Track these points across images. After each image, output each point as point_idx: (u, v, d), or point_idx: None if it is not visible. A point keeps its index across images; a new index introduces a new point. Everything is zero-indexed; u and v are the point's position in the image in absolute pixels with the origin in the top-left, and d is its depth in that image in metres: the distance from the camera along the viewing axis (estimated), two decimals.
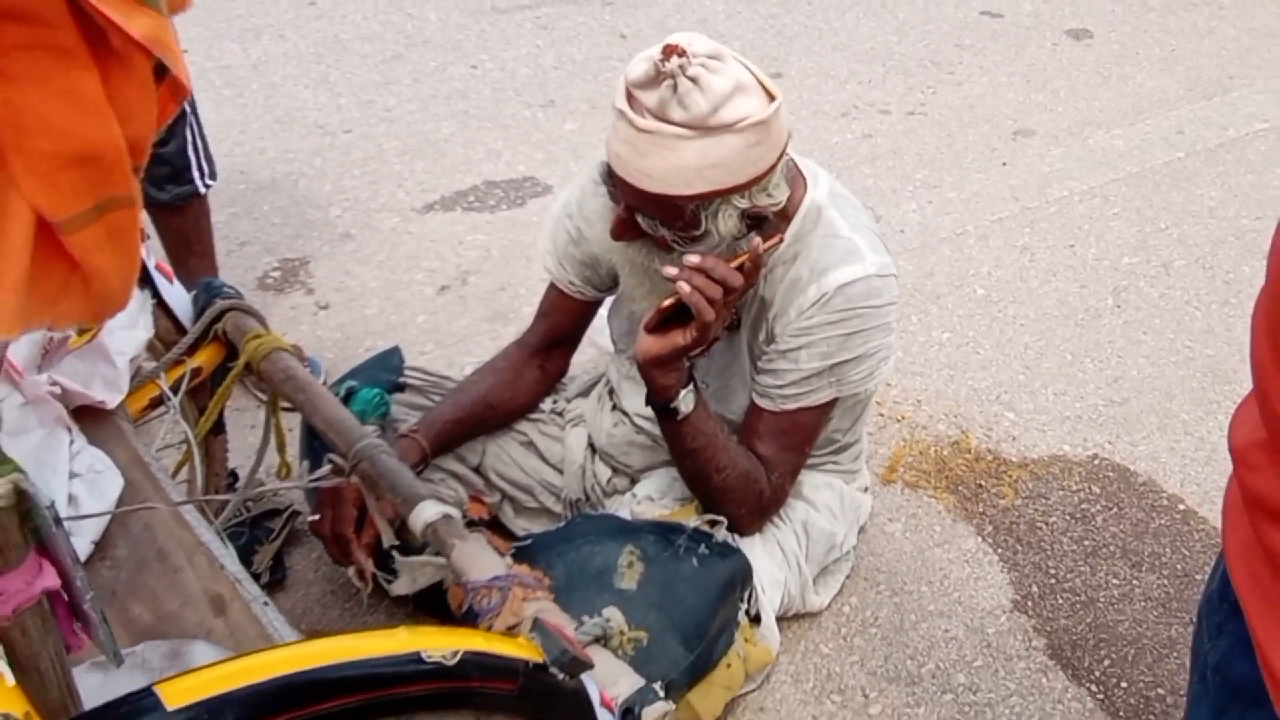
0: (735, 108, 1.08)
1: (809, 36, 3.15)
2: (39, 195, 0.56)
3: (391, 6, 3.22)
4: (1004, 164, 2.44)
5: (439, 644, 0.77)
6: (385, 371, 1.51)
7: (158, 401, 1.23)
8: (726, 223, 1.16)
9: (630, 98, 1.09)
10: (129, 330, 1.19)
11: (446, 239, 2.23)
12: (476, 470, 1.50)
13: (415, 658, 0.75)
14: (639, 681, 0.96)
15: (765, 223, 1.21)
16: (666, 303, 1.14)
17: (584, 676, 0.88)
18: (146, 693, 0.66)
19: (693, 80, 1.06)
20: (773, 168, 1.17)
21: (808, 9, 3.11)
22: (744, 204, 1.16)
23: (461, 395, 1.45)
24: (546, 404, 1.56)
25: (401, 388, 1.51)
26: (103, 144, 0.57)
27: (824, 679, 1.45)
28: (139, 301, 1.21)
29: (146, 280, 1.23)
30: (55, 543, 0.63)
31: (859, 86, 2.77)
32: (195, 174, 1.80)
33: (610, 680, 0.94)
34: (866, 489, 1.57)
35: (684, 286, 1.11)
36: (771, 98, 1.12)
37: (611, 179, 1.18)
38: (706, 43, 1.10)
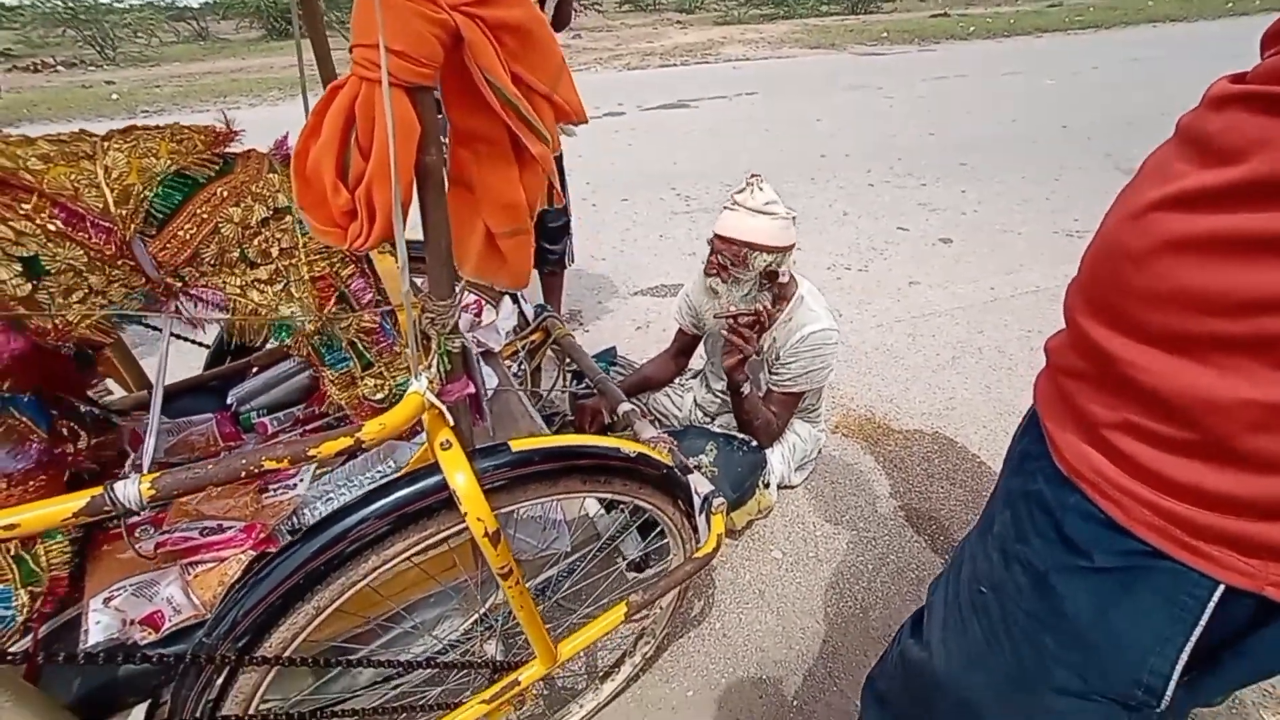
0: (772, 208, 1.44)
1: (814, 226, 3.87)
2: (489, 219, 0.71)
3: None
4: (902, 298, 2.98)
5: (630, 447, 0.97)
6: (609, 356, 2.08)
7: (515, 353, 1.58)
8: (755, 265, 1.46)
9: (733, 199, 1.49)
10: (506, 319, 1.51)
11: (641, 307, 2.95)
12: (645, 404, 1.98)
13: (617, 450, 0.94)
14: (711, 488, 1.08)
15: (775, 282, 1.51)
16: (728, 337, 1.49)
17: (689, 477, 1.07)
18: (504, 444, 0.84)
19: (759, 188, 1.45)
20: (785, 250, 1.48)
21: (803, 224, 3.72)
22: (768, 259, 1.46)
23: (638, 374, 1.97)
24: (676, 380, 2.00)
25: (614, 363, 2.07)
26: (518, 200, 0.70)
27: (793, 518, 1.81)
28: (509, 306, 1.55)
29: (515, 299, 1.58)
30: (474, 374, 0.80)
31: (828, 256, 3.39)
32: (567, 259, 2.35)
33: (700, 484, 1.08)
34: (823, 431, 1.93)
35: (725, 332, 1.49)
36: (793, 218, 1.49)
37: (715, 239, 1.50)
38: (769, 185, 1.49)
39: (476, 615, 1.07)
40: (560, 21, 2.09)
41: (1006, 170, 4.68)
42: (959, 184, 4.46)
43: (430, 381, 0.73)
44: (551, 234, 2.32)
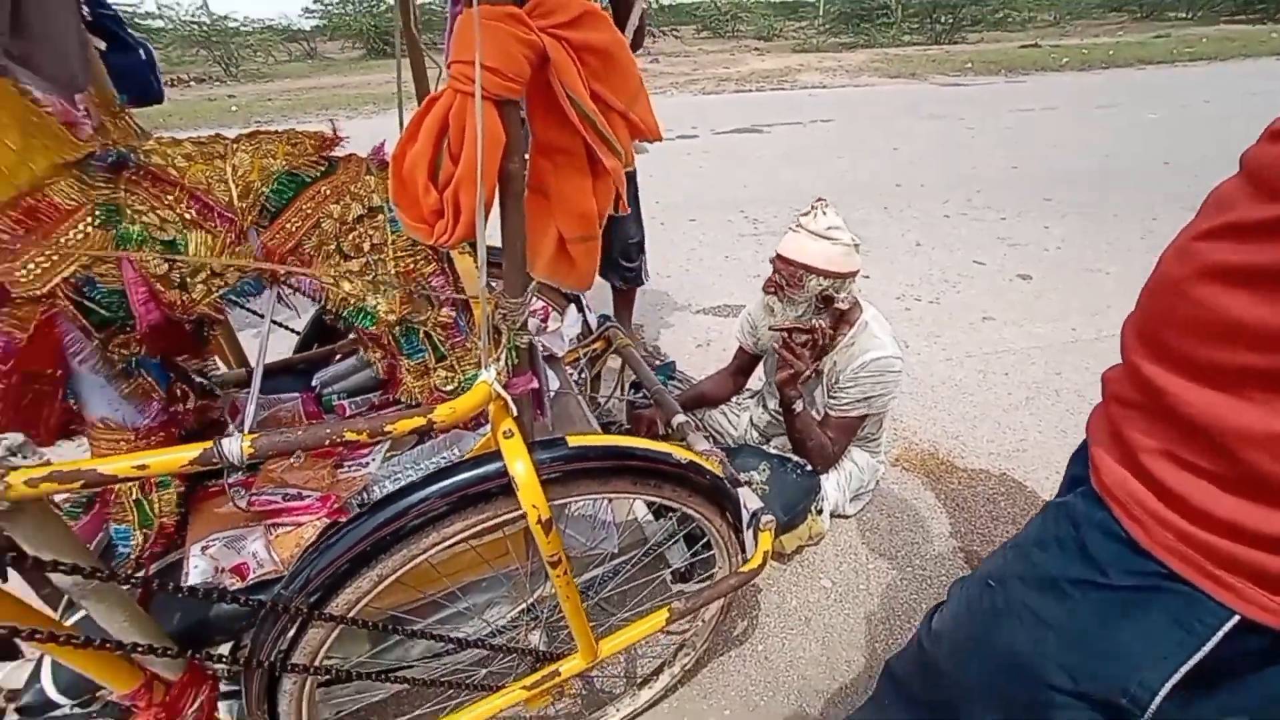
0: (834, 234, 1.45)
1: (885, 255, 3.83)
2: (561, 225, 0.77)
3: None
4: (974, 333, 2.90)
5: (682, 454, 1.01)
6: (668, 370, 2.11)
7: (576, 360, 1.64)
8: (810, 288, 1.47)
9: (798, 221, 1.51)
10: (571, 326, 1.60)
11: (702, 325, 2.99)
12: (700, 420, 1.98)
13: (669, 455, 0.98)
14: (761, 505, 1.12)
15: (831, 307, 1.51)
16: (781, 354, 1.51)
17: (739, 490, 1.10)
18: (560, 438, 0.88)
19: (823, 212, 1.47)
20: (844, 276, 1.47)
21: (873, 253, 3.79)
22: (824, 284, 1.47)
23: (695, 389, 2.00)
24: (733, 399, 2.01)
25: (673, 376, 2.09)
26: (589, 209, 0.76)
27: (845, 548, 1.78)
28: (574, 315, 1.62)
29: (580, 308, 1.65)
30: (539, 371, 0.91)
31: (897, 286, 3.33)
32: (642, 276, 2.42)
33: (750, 499, 1.11)
34: (883, 462, 1.89)
35: (776, 346, 1.52)
36: (856, 245, 1.49)
37: (775, 258, 1.52)
38: (834, 210, 1.50)
39: (524, 605, 1.11)
40: (635, 44, 2.17)
41: (1096, 206, 4.46)
42: (1042, 219, 4.28)
43: (498, 373, 0.79)
44: (628, 251, 2.37)
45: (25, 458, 0.59)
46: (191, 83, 10.59)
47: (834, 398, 1.67)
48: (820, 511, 1.76)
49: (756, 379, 2.07)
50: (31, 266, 0.72)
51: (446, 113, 0.68)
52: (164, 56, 11.91)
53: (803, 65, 11.48)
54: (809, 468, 1.67)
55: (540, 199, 0.81)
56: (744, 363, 1.96)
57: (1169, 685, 0.56)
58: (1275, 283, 0.44)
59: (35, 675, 0.84)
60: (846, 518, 1.88)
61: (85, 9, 1.14)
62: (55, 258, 0.73)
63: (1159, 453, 0.54)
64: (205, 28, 12.19)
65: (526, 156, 0.77)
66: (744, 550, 1.13)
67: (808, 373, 1.51)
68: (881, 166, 5.50)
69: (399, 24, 1.17)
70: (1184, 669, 0.55)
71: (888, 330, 1.64)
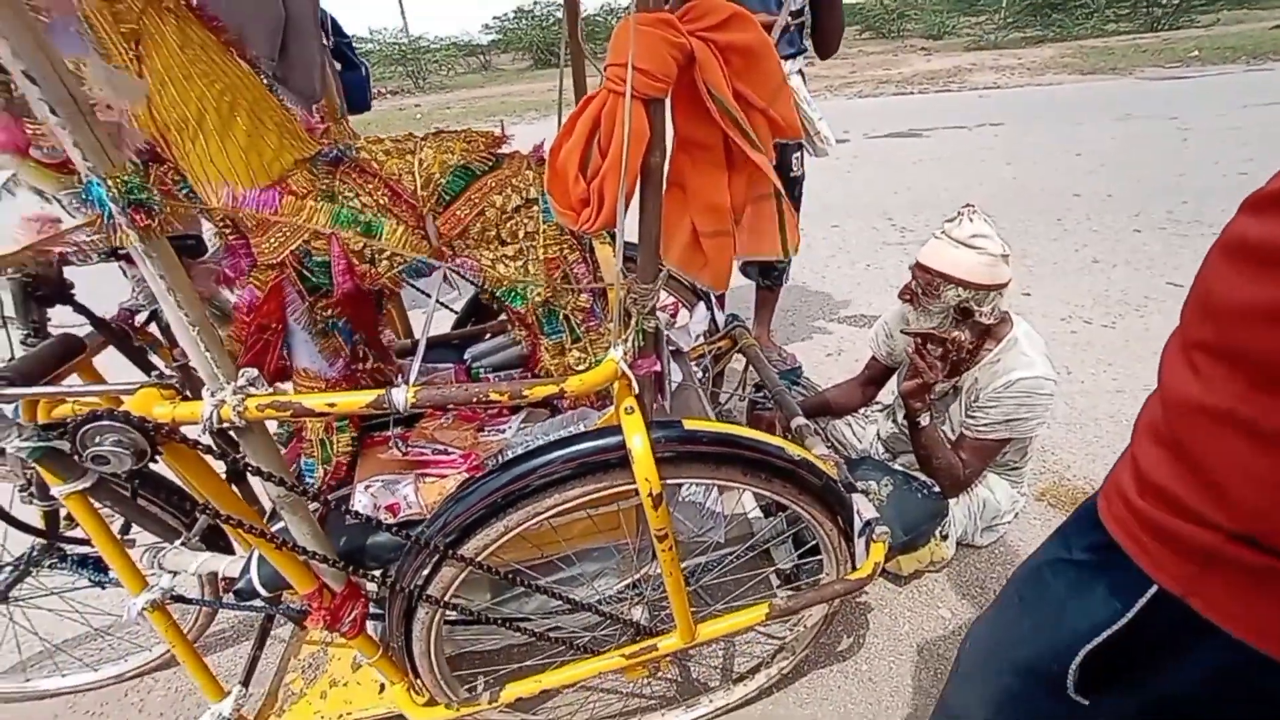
0: (979, 242, 1.38)
1: (1052, 271, 3.47)
2: (696, 218, 0.81)
3: None
4: (1155, 364, 2.57)
5: (796, 451, 1.00)
6: (794, 375, 2.13)
7: (701, 356, 1.67)
8: (947, 297, 1.40)
9: (943, 227, 1.45)
10: (698, 323, 1.67)
11: (835, 333, 2.93)
12: (824, 429, 1.93)
13: (781, 450, 0.98)
14: (876, 515, 1.10)
15: (970, 320, 1.42)
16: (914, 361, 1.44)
17: (853, 496, 1.09)
18: (677, 420, 0.93)
19: (970, 219, 1.40)
20: (987, 288, 1.38)
21: (1037, 269, 3.42)
22: (964, 294, 1.39)
23: (821, 396, 1.95)
24: (861, 410, 1.96)
25: (797, 382, 2.09)
26: (723, 203, 0.79)
27: (970, 580, 1.65)
28: (703, 312, 1.69)
29: (709, 305, 1.70)
30: (662, 356, 0.91)
31: (1064, 306, 3.01)
32: (785, 277, 2.47)
33: (865, 507, 1.10)
34: (1023, 493, 1.75)
35: (909, 351, 1.45)
36: (1005, 255, 1.39)
37: (915, 265, 1.47)
38: (984, 217, 1.42)
39: (631, 579, 1.17)
40: (835, 47, 2.13)
41: None
42: None
43: (625, 353, 0.85)
44: None
45: (258, 389, 0.74)
46: (387, 95, 12.08)
47: (971, 417, 1.57)
48: (945, 537, 1.66)
49: (888, 392, 1.98)
50: (274, 240, 0.90)
51: (600, 110, 0.74)
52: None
53: (975, 64, 10.61)
54: (936, 489, 1.58)
55: (678, 192, 0.85)
56: (875, 373, 1.89)
57: (1083, 654, 0.56)
58: (1245, 255, 0.43)
59: (246, 568, 1.04)
60: (977, 548, 1.75)
61: (328, 37, 1.37)
62: (289, 233, 0.90)
63: (1144, 427, 0.53)
64: (403, 47, 13.84)
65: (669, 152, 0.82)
66: (854, 559, 1.12)
67: (938, 385, 1.44)
68: (1057, 174, 4.95)
69: (565, 34, 1.28)
70: (1102, 636, 0.54)
71: (1041, 350, 1.51)
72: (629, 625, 1.12)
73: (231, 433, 0.76)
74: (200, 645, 1.49)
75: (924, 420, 1.53)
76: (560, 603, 1.05)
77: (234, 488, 0.92)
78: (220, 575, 1.15)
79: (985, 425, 1.54)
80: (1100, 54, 10.33)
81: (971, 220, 1.41)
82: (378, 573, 0.98)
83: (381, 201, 0.97)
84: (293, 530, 0.87)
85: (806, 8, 2.06)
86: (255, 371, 0.74)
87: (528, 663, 1.30)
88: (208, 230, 1.02)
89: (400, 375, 1.28)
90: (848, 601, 1.55)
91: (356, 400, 0.78)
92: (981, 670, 0.72)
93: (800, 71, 2.13)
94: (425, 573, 0.97)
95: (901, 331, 1.48)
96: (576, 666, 1.10)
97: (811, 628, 1.30)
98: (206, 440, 0.74)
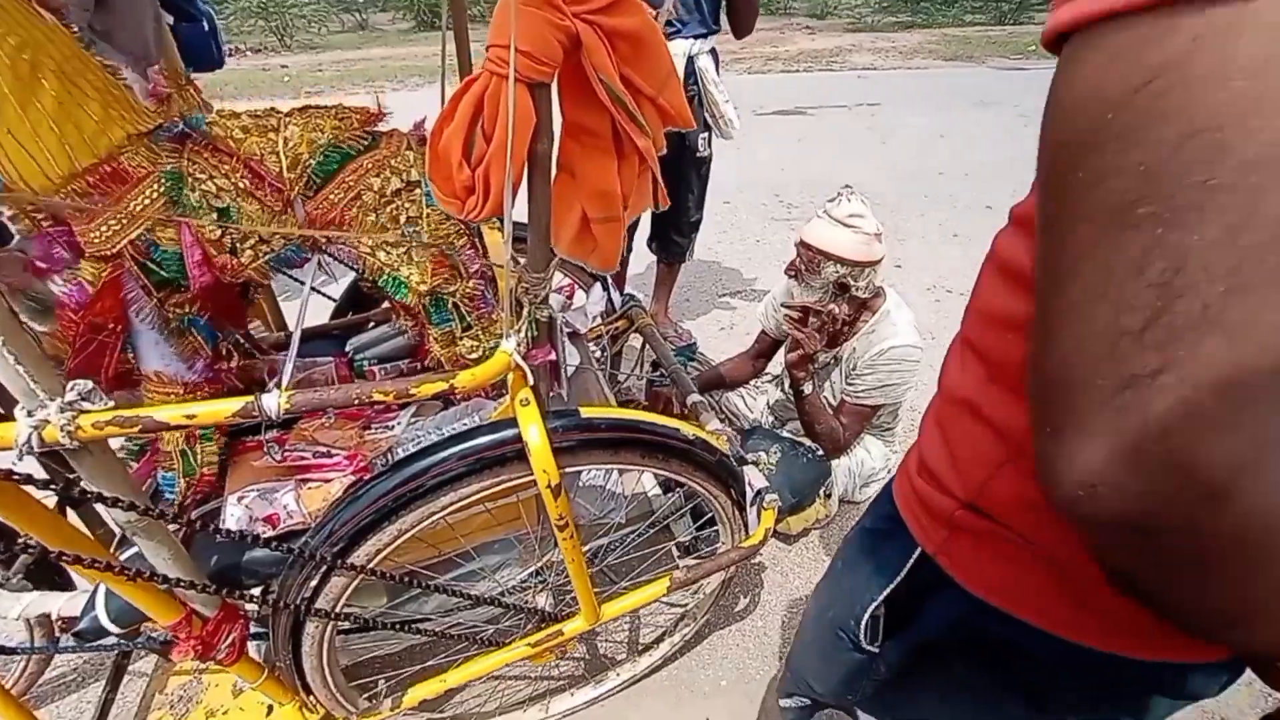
0: (855, 222, 1.44)
1: (909, 249, 3.79)
2: (585, 205, 0.80)
3: None
4: None
5: (691, 430, 1.03)
6: (689, 351, 2.13)
7: (599, 337, 1.62)
8: (827, 274, 1.48)
9: (824, 207, 1.50)
10: (595, 304, 1.62)
11: (728, 308, 2.99)
12: (718, 402, 2.00)
13: (677, 431, 1.00)
14: (766, 484, 1.13)
15: (847, 294, 1.50)
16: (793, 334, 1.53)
17: (744, 469, 1.12)
18: (574, 409, 0.93)
19: (848, 200, 1.46)
20: (862, 265, 1.45)
21: (907, 243, 3.67)
22: (840, 271, 1.47)
23: (714, 371, 2.01)
24: (752, 382, 2.05)
25: (693, 358, 2.10)
26: (613, 189, 0.78)
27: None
28: (599, 293, 1.63)
29: (605, 286, 1.63)
30: (557, 345, 0.91)
31: (930, 276, 3.28)
32: (688, 255, 2.45)
33: (755, 478, 1.13)
34: (895, 451, 1.87)
35: (787, 324, 1.54)
36: (879, 234, 1.46)
37: (799, 243, 1.52)
38: (859, 198, 1.50)
39: (534, 568, 1.17)
40: (743, 26, 2.11)
41: None
42: None
43: (518, 344, 0.83)
44: (683, 227, 2.40)
45: (93, 403, 0.65)
46: (248, 53, 10.79)
47: (850, 384, 1.67)
48: (829, 496, 1.78)
49: (777, 364, 2.08)
50: (104, 229, 0.78)
51: (482, 93, 0.71)
52: (224, 26, 12.17)
53: (855, 46, 11.13)
54: (820, 452, 1.68)
55: (567, 178, 0.83)
56: (765, 346, 1.97)
57: (869, 612, 0.64)
58: (999, 265, 0.50)
59: (90, 604, 0.92)
60: (856, 503, 1.88)
61: None
62: (125, 221, 0.78)
63: (929, 414, 0.61)
64: (263, 0, 12.37)
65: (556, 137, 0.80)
66: (747, 527, 1.16)
67: (820, 355, 1.52)
68: (925, 153, 5.36)
69: None
70: (882, 595, 0.63)
71: (909, 320, 1.63)
72: (534, 614, 1.12)
73: (63, 452, 0.66)
74: (35, 694, 1.33)
75: (807, 389, 1.60)
76: (462, 599, 1.02)
77: (70, 513, 0.81)
78: (56, 616, 1.01)
79: (863, 391, 1.64)
80: (960, 42, 11.22)
81: (849, 200, 1.48)
82: (257, 591, 0.90)
83: (241, 185, 0.87)
84: (149, 557, 0.78)
85: None
86: (89, 383, 0.64)
87: (431, 661, 1.27)
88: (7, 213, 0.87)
89: (273, 373, 1.17)
90: (743, 565, 1.62)
91: (221, 410, 0.71)
92: (813, 629, 0.81)
93: (713, 50, 2.10)
94: (313, 585, 0.91)
95: (782, 304, 1.53)
96: (483, 660, 1.09)
97: (710, 594, 1.36)
98: (24, 468, 0.63)
